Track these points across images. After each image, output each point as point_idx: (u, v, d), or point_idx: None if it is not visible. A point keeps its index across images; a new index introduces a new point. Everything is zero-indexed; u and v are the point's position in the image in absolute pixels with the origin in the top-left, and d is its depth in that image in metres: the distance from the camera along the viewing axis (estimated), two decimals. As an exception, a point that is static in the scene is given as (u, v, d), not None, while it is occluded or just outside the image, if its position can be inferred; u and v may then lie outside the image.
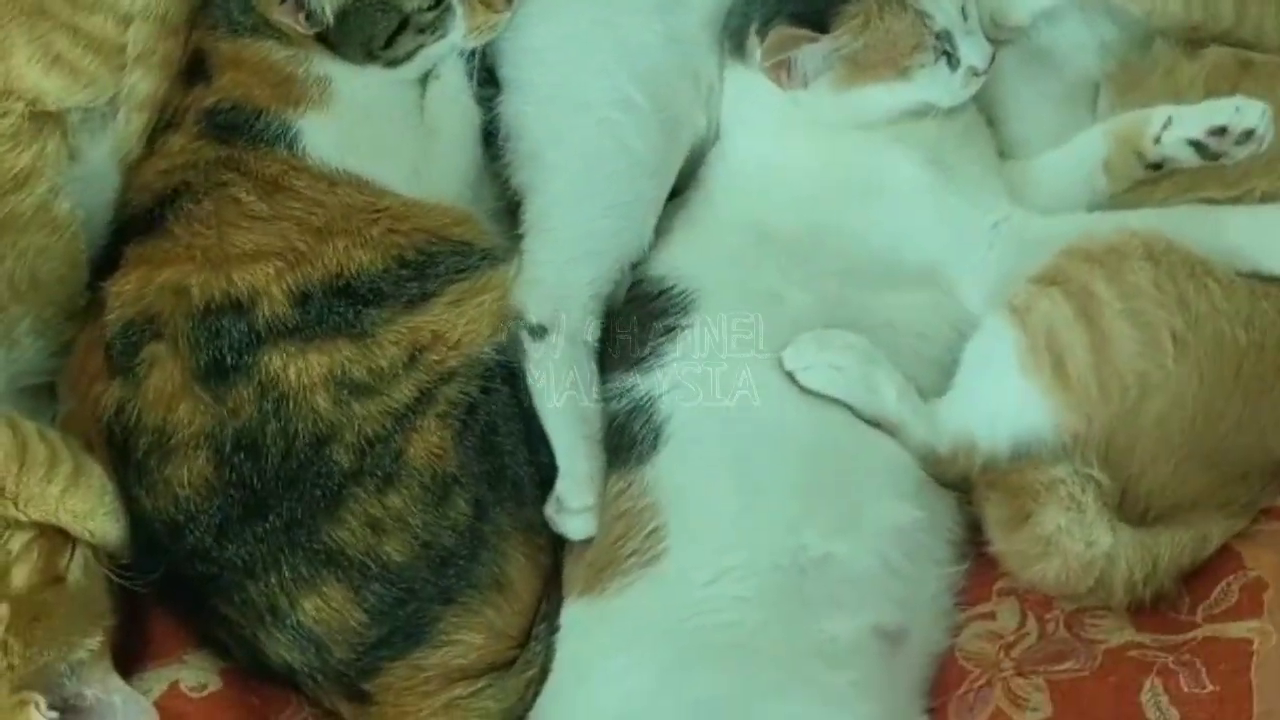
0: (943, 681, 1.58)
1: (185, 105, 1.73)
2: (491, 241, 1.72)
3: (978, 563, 1.63)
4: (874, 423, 1.63)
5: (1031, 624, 1.61)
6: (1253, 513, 1.64)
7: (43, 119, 1.71)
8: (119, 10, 1.75)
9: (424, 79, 1.80)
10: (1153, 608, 1.60)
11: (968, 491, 1.65)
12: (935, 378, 1.66)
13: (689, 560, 1.55)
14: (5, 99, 1.69)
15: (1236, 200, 1.63)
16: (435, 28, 1.73)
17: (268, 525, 1.55)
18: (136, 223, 1.68)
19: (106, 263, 1.69)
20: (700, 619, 1.52)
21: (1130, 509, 1.60)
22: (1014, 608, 1.62)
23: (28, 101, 1.70)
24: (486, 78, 1.82)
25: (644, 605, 1.55)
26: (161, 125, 1.75)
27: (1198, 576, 1.62)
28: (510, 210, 1.80)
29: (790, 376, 1.64)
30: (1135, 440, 1.58)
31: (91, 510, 1.55)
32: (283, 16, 1.68)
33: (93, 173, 1.76)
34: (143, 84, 1.75)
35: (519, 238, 1.76)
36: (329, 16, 1.68)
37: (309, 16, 1.68)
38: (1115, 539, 1.56)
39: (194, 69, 1.75)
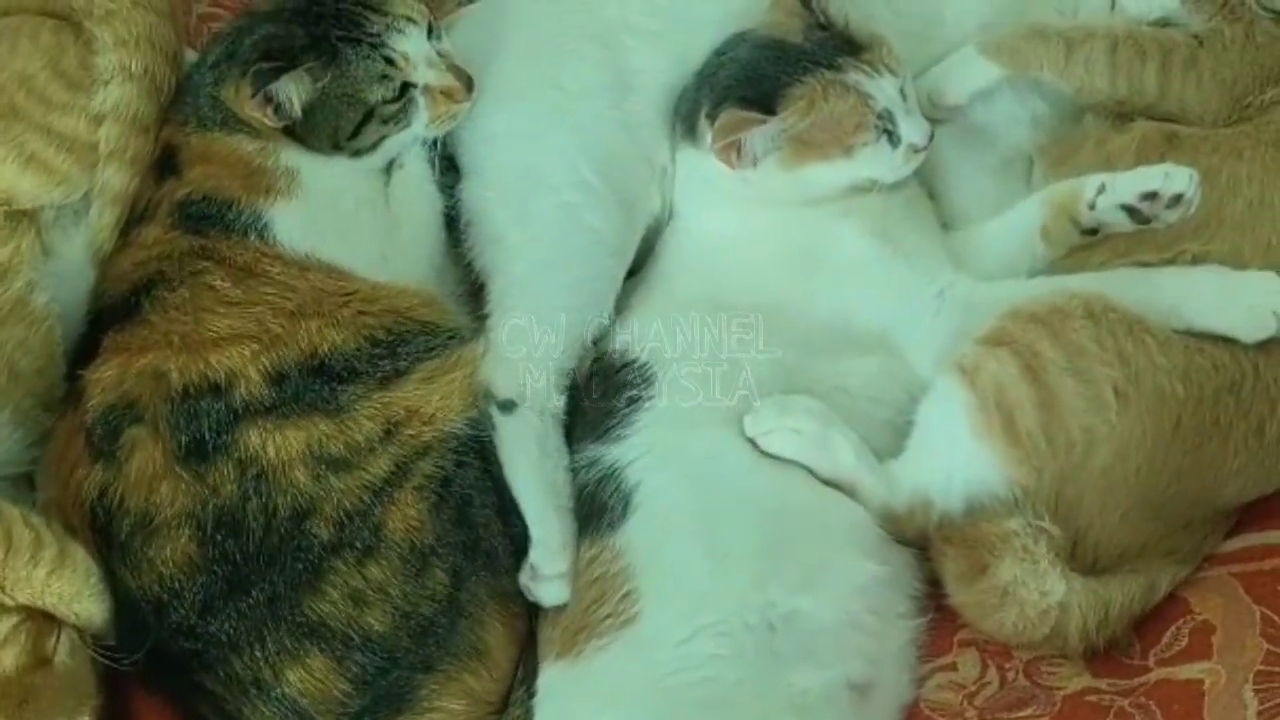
0: (908, 737, 1.61)
1: (158, 198, 1.78)
2: (457, 322, 1.78)
3: (938, 615, 1.70)
4: (833, 483, 1.68)
5: (992, 673, 1.67)
6: (1198, 559, 1.71)
7: (17, 217, 1.76)
8: (91, 110, 1.81)
9: (387, 167, 1.85)
10: (1107, 654, 1.66)
11: (925, 547, 1.69)
12: (889, 439, 1.73)
13: (663, 621, 1.60)
14: None
15: (1169, 262, 1.72)
16: (399, 118, 1.80)
17: (251, 600, 1.59)
18: (113, 312, 1.72)
19: (84, 352, 1.72)
20: (677, 677, 1.57)
21: (1081, 558, 1.67)
22: (974, 658, 1.68)
23: (2, 201, 1.74)
24: (447, 165, 1.87)
25: (620, 666, 1.59)
26: (135, 218, 1.80)
27: (1148, 622, 1.69)
28: (474, 292, 1.84)
29: (751, 441, 1.67)
30: (1083, 492, 1.65)
31: (77, 592, 1.58)
32: (253, 111, 1.73)
33: (67, 267, 1.80)
34: (115, 180, 1.80)
35: (483, 318, 1.80)
36: (297, 110, 1.73)
37: (277, 110, 1.73)
38: (1068, 588, 1.62)
39: (165, 163, 1.80)
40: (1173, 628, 1.68)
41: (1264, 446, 1.66)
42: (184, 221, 1.75)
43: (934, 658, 1.68)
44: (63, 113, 1.80)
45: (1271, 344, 1.66)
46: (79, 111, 1.81)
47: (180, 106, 1.83)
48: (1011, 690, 1.65)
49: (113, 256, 1.80)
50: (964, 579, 1.65)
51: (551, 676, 1.64)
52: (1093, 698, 1.63)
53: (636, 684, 1.58)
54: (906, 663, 1.66)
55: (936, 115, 1.85)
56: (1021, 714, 1.63)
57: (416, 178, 1.85)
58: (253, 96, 1.71)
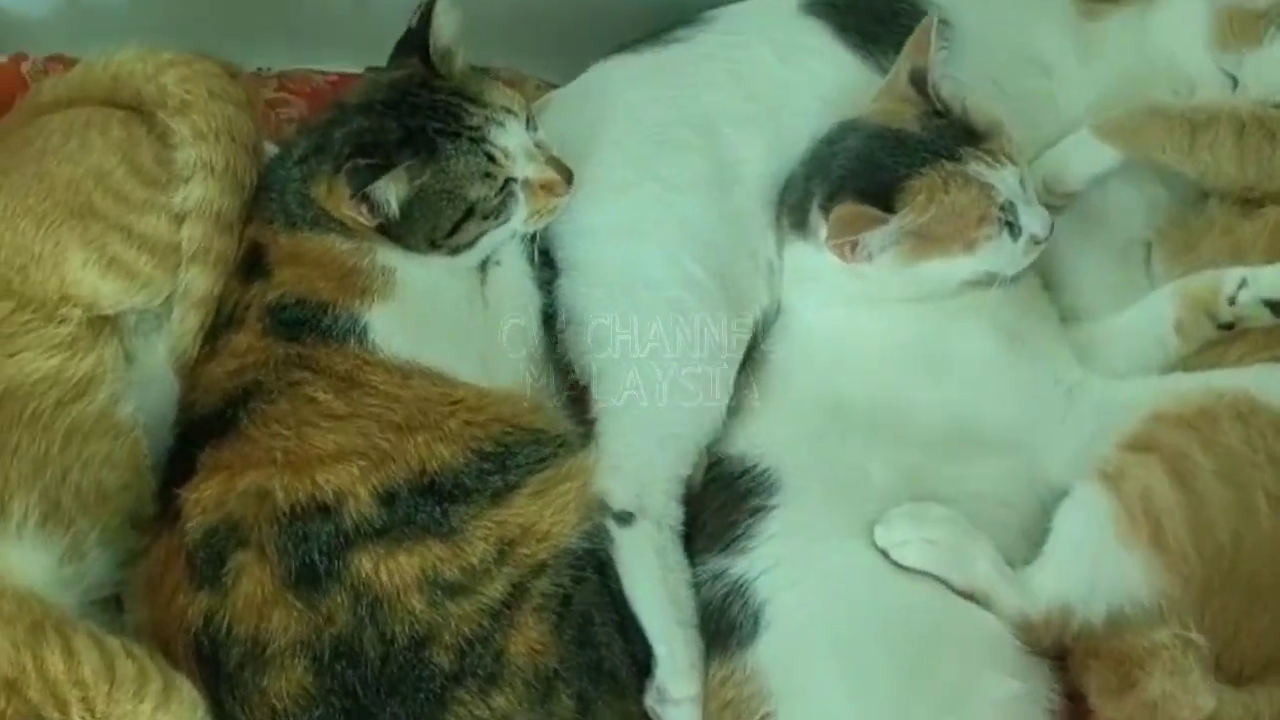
0: None
1: (246, 301, 1.69)
2: (564, 426, 1.70)
3: (1076, 729, 1.61)
4: (967, 594, 1.61)
5: (1137, 787, 1.58)
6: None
7: (100, 324, 1.68)
8: (171, 208, 1.73)
9: (482, 264, 1.77)
10: (1254, 767, 1.58)
11: (1061, 656, 1.62)
12: (1019, 544, 1.66)
13: (804, 749, 1.51)
14: (62, 306, 1.66)
15: (1313, 358, 1.65)
16: (499, 214, 1.72)
17: None
18: (207, 425, 1.63)
19: (174, 467, 1.63)
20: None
21: (1226, 668, 1.60)
22: (1123, 772, 1.59)
23: (85, 307, 1.66)
24: (543, 260, 1.79)
25: (762, 800, 1.51)
26: (222, 323, 1.72)
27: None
28: (575, 393, 1.76)
29: (884, 553, 1.60)
30: (1230, 600, 1.59)
31: None
32: (348, 211, 1.65)
33: (150, 375, 1.72)
34: (198, 282, 1.72)
35: (588, 422, 1.72)
36: (395, 210, 1.65)
37: (372, 209, 1.65)
38: (1219, 701, 1.55)
39: (251, 263, 1.72)
40: (1325, 737, 1.59)
41: None
42: (277, 327, 1.66)
43: (1074, 773, 1.59)
44: (143, 212, 1.72)
45: None
46: (159, 210, 1.73)
47: (265, 203, 1.74)
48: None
49: (201, 365, 1.71)
50: (1111, 694, 1.57)
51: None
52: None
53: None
54: (1051, 779, 1.57)
55: (1051, 201, 1.78)
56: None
57: (515, 274, 1.78)
58: (351, 197, 1.62)
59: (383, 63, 1.97)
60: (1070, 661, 1.63)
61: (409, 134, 1.69)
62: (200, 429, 1.64)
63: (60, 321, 1.65)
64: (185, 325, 1.73)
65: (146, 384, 1.72)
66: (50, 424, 1.60)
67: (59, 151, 1.75)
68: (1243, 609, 1.59)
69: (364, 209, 1.66)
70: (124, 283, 1.68)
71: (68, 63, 1.95)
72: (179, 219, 1.73)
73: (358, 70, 2.05)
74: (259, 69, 2.03)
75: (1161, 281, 1.80)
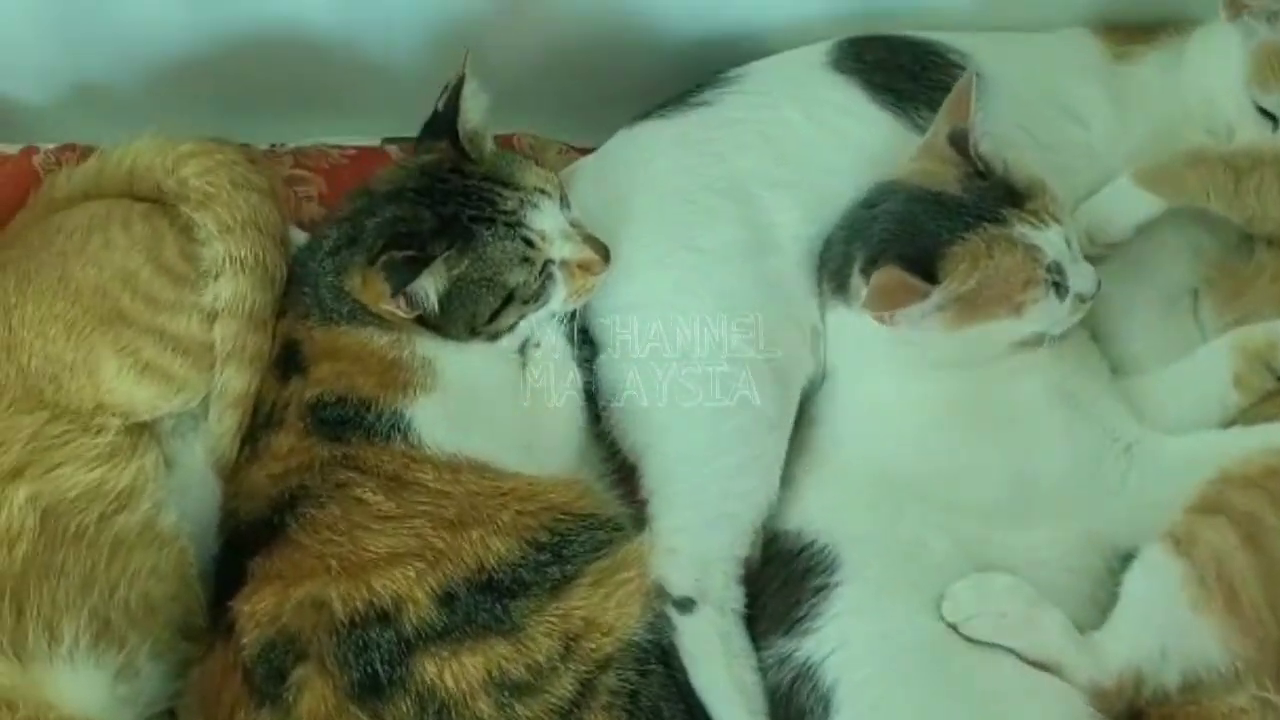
0: None
1: (284, 400, 1.66)
2: (615, 509, 1.68)
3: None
4: (1038, 664, 1.58)
5: None
6: None
7: (138, 430, 1.65)
8: (202, 307, 1.70)
9: (521, 347, 1.74)
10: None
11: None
12: (1086, 609, 1.64)
13: (888, 837, 1.49)
14: (99, 415, 1.62)
15: (1373, 407, 1.62)
16: (538, 297, 1.69)
17: None
18: (254, 532, 1.60)
19: (223, 577, 1.60)
20: None
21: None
22: (1207, 837, 1.57)
23: (122, 415, 1.62)
24: (581, 338, 1.76)
25: None
26: (261, 423, 1.68)
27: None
28: (620, 474, 1.73)
29: (952, 628, 1.58)
30: (1309, 660, 1.55)
31: None
32: (387, 306, 1.61)
33: (190, 479, 1.69)
34: (235, 382, 1.69)
35: (639, 503, 1.69)
36: (434, 303, 1.62)
37: (411, 302, 1.62)
38: None
39: (287, 360, 1.69)
40: None
41: None
42: (319, 427, 1.63)
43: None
44: (174, 313, 1.69)
45: None
46: (190, 310, 1.70)
47: (298, 297, 1.71)
48: None
49: (243, 468, 1.68)
50: (1190, 760, 1.54)
51: None
52: None
53: None
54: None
55: (1094, 252, 1.75)
56: None
57: (555, 354, 1.74)
58: (393, 295, 1.58)
59: (398, 133, 1.95)
60: (1147, 722, 1.59)
61: (443, 222, 1.65)
62: (248, 536, 1.62)
63: (98, 431, 1.61)
64: (223, 426, 1.69)
65: (187, 489, 1.68)
66: (95, 540, 1.57)
67: (82, 252, 1.72)
68: (1320, 667, 1.56)
69: (402, 303, 1.61)
70: (160, 387, 1.65)
71: (80, 152, 1.90)
72: (210, 317, 1.70)
73: (374, 143, 2.02)
74: (272, 145, 1.97)
75: (1211, 329, 1.78)
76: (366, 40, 1.99)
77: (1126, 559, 1.65)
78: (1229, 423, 1.70)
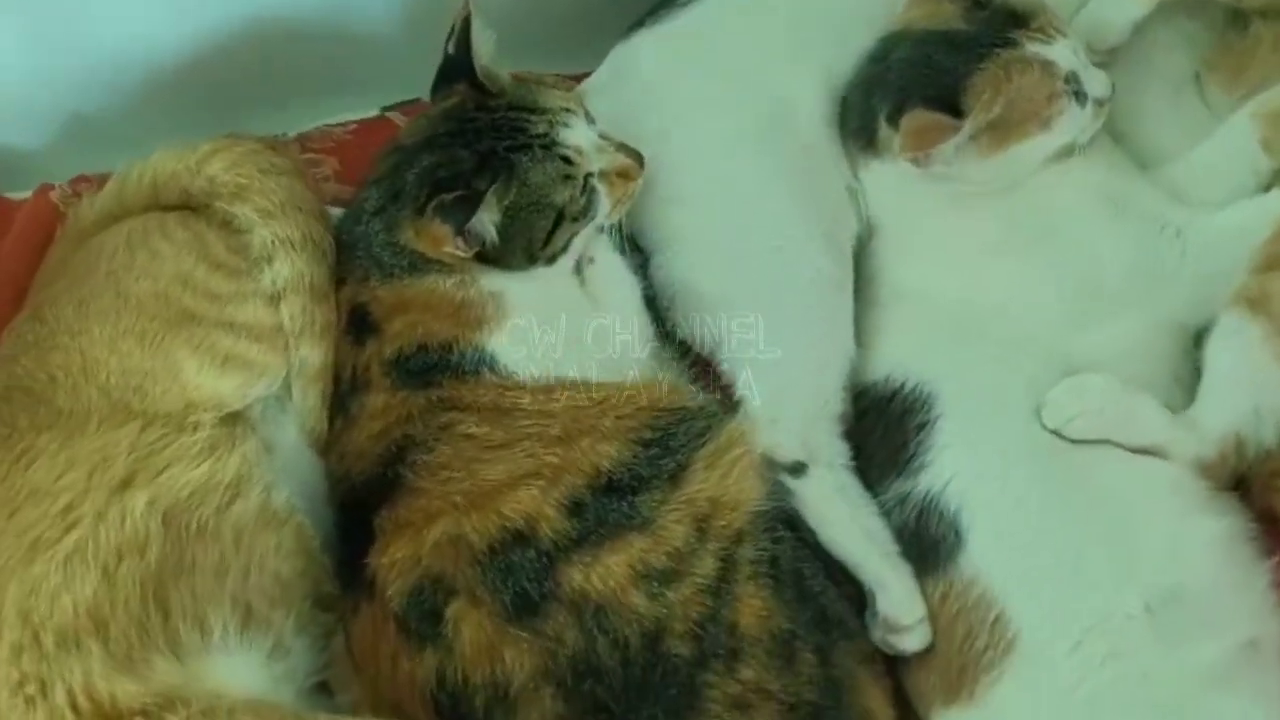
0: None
1: (364, 363, 1.69)
2: (704, 399, 1.71)
3: (1280, 551, 1.64)
4: (1143, 451, 1.64)
5: (1354, 591, 1.62)
6: None
7: (232, 421, 1.66)
8: (262, 291, 1.72)
9: (576, 268, 1.77)
10: None
11: (1240, 488, 1.65)
12: (1174, 392, 1.69)
13: (1045, 636, 1.55)
14: (191, 414, 1.63)
15: None
16: (586, 212, 1.72)
17: None
18: (371, 492, 1.62)
19: (350, 541, 1.63)
20: (1084, 687, 1.52)
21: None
22: (1330, 584, 1.63)
23: (213, 409, 1.64)
24: (631, 246, 1.80)
25: (1023, 694, 1.55)
26: (346, 390, 1.70)
27: None
28: (695, 367, 1.77)
29: (1055, 433, 1.63)
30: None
31: None
32: (449, 247, 1.64)
33: (289, 459, 1.71)
34: (311, 356, 1.71)
35: (723, 388, 1.73)
36: (494, 235, 1.65)
37: (468, 240, 1.65)
38: None
39: (358, 325, 1.71)
40: None
41: None
42: (407, 379, 1.65)
43: (1295, 594, 1.62)
44: (239, 303, 1.71)
45: None
46: (252, 296, 1.72)
47: (353, 264, 1.73)
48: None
49: (341, 435, 1.70)
50: (1310, 504, 1.60)
51: (951, 722, 1.56)
52: None
53: (1049, 705, 1.52)
54: (1274, 607, 1.60)
55: (1095, 60, 1.80)
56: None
57: (611, 266, 1.79)
58: (455, 234, 1.61)
59: (394, 100, 1.97)
60: (1254, 488, 1.65)
61: (481, 158, 1.68)
62: (365, 497, 1.63)
63: (194, 429, 1.62)
64: (309, 401, 1.71)
65: (289, 468, 1.70)
66: (218, 532, 1.59)
67: (130, 268, 1.73)
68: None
69: (461, 242, 1.64)
70: (243, 375, 1.67)
71: (94, 180, 1.91)
72: (273, 300, 1.72)
73: (374, 114, 2.04)
74: (275, 137, 1.99)
75: (1221, 110, 1.83)
76: (346, 17, 2.01)
77: (1199, 338, 1.69)
78: (1264, 189, 1.74)
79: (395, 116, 2.04)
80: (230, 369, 1.66)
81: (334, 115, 2.06)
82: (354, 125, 2.05)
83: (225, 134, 1.85)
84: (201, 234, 1.77)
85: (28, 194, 1.96)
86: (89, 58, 1.98)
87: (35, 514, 1.54)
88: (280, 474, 1.68)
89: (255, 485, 1.64)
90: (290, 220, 1.75)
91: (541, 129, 1.71)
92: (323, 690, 1.66)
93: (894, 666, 1.65)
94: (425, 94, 1.86)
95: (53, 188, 1.95)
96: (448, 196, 1.64)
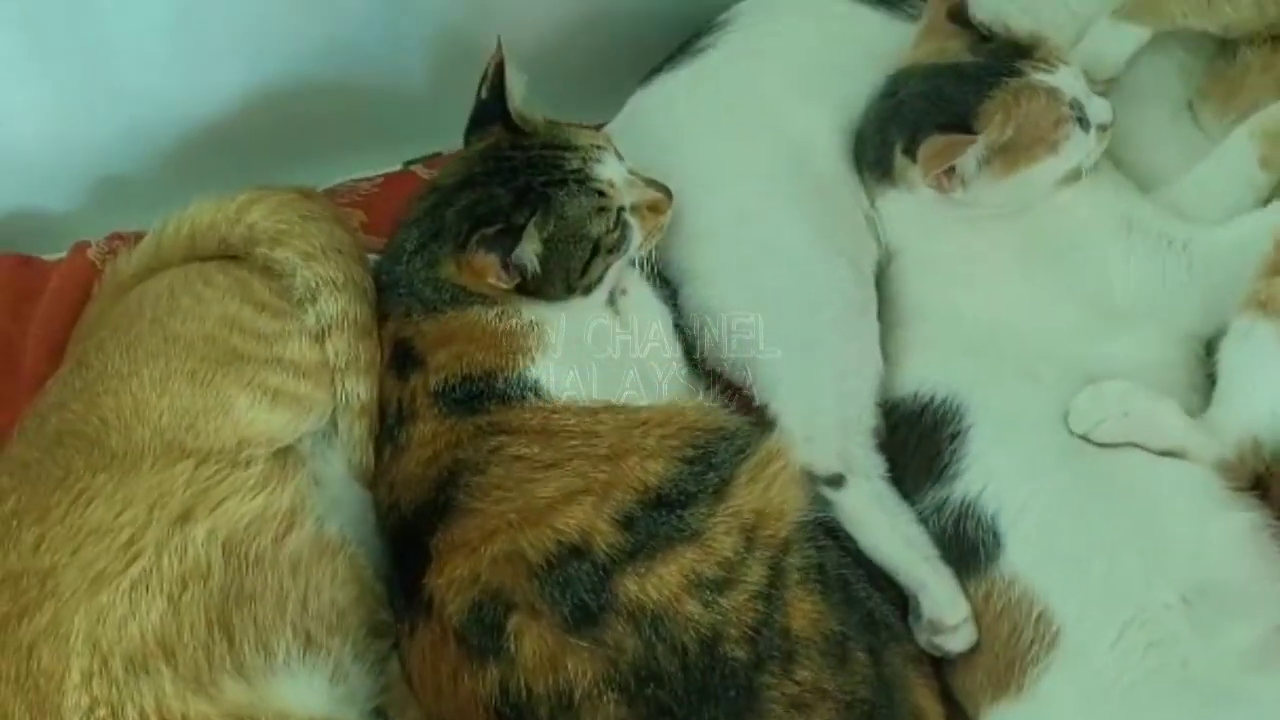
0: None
1: (409, 396, 1.74)
2: (739, 421, 1.76)
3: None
4: (1165, 453, 1.71)
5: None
6: None
7: (283, 455, 1.70)
8: (308, 329, 1.77)
9: (609, 300, 1.83)
10: None
11: (1261, 488, 1.72)
12: (1190, 399, 1.76)
13: (1088, 630, 1.61)
14: (244, 449, 1.67)
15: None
16: (620, 244, 1.78)
17: None
18: (424, 517, 1.67)
19: (405, 569, 1.67)
20: (1127, 676, 1.58)
21: None
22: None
23: (265, 444, 1.68)
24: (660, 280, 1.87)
25: (1070, 683, 1.60)
26: (393, 423, 1.75)
27: None
28: (726, 392, 1.83)
29: (1082, 438, 1.70)
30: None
31: None
32: (492, 279, 1.70)
33: (338, 493, 1.75)
34: (358, 391, 1.76)
35: (756, 410, 1.80)
36: (536, 266, 1.71)
37: (510, 271, 1.71)
38: None
39: (402, 360, 1.76)
40: None
41: None
42: (454, 408, 1.70)
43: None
44: (285, 341, 1.75)
45: None
46: (298, 335, 1.77)
47: (396, 302, 1.79)
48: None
49: (391, 466, 1.74)
50: (1328, 504, 1.67)
51: (1002, 716, 1.62)
52: None
53: (1094, 694, 1.58)
54: (1301, 594, 1.66)
55: (1093, 91, 1.89)
56: None
57: (642, 296, 1.85)
58: (503, 267, 1.67)
59: (415, 155, 2.04)
60: (1274, 487, 1.72)
61: (518, 194, 1.75)
62: (418, 523, 1.67)
63: (247, 464, 1.66)
64: (355, 435, 1.76)
65: (338, 501, 1.74)
66: (275, 561, 1.62)
67: (175, 313, 1.77)
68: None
69: (503, 273, 1.70)
70: (293, 410, 1.71)
71: (129, 238, 1.95)
72: (319, 337, 1.76)
73: (397, 168, 2.10)
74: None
75: (1215, 133, 1.93)
76: (369, 72, 2.07)
77: (1210, 347, 1.77)
78: (1262, 204, 1.83)
79: (419, 169, 2.10)
80: (280, 404, 1.70)
81: (359, 170, 2.10)
82: (380, 179, 2.10)
83: (259, 185, 1.89)
84: (243, 278, 1.81)
85: (62, 254, 1.98)
86: (116, 120, 2.03)
87: (97, 550, 1.57)
88: (330, 506, 1.72)
89: (308, 517, 1.68)
90: (331, 262, 1.81)
91: (575, 165, 1.77)
92: (380, 716, 1.68)
93: (940, 671, 1.68)
94: (447, 147, 1.92)
95: (89, 245, 1.99)
96: (489, 230, 1.70)
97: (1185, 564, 1.62)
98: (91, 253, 1.98)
